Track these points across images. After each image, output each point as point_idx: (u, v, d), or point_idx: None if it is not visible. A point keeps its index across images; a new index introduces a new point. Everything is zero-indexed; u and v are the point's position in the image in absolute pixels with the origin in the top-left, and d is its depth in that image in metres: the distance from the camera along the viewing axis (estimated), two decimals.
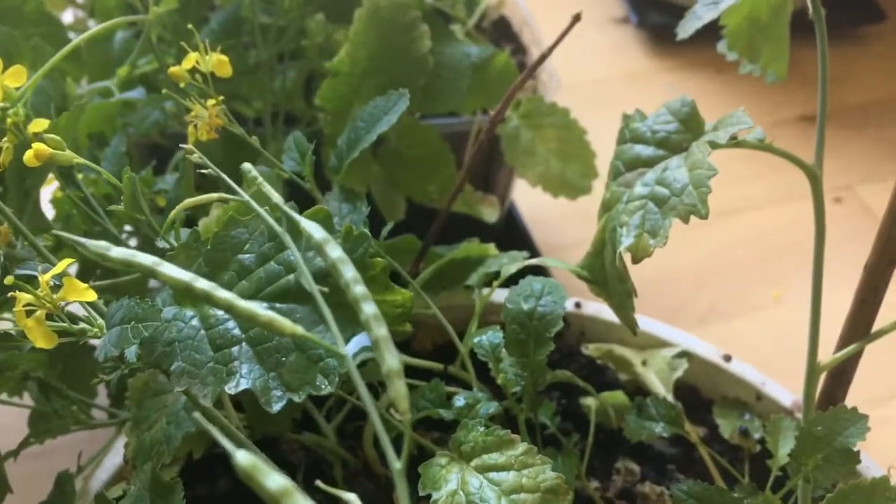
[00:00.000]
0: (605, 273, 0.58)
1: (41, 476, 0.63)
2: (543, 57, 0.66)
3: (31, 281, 0.44)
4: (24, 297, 0.39)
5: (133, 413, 0.55)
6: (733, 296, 1.14)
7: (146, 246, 0.57)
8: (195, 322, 0.41)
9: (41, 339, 0.39)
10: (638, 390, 0.71)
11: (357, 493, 0.61)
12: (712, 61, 1.56)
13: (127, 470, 0.53)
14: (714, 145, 0.52)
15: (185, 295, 0.43)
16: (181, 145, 0.52)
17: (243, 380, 0.39)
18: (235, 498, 0.63)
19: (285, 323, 0.37)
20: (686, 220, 0.51)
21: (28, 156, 0.44)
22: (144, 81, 0.79)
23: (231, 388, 0.38)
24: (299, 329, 0.36)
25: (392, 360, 0.31)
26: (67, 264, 0.40)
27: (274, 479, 0.24)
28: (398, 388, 0.30)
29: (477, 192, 0.96)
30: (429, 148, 0.83)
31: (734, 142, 0.52)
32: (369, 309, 0.32)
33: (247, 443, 0.53)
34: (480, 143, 0.62)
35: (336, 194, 0.57)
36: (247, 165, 0.45)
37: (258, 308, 0.33)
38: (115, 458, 0.62)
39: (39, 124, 0.49)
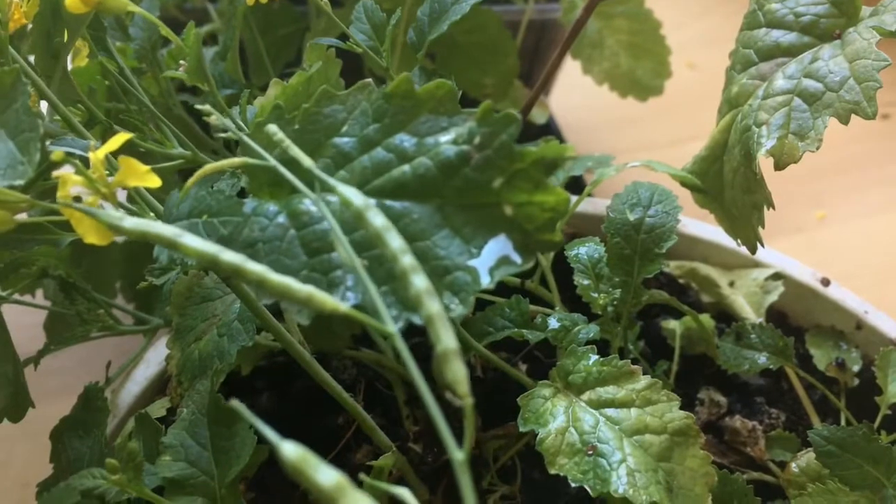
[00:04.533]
0: (720, 181, 0.51)
1: (57, 387, 0.57)
2: None
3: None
4: (73, 180, 0.30)
5: (176, 322, 0.48)
6: (776, 216, 1.09)
7: (188, 131, 0.48)
8: (282, 219, 0.33)
9: (93, 232, 0.31)
10: (722, 314, 0.64)
11: (421, 416, 0.54)
12: None
13: (171, 387, 0.46)
14: (882, 31, 0.43)
15: (263, 183, 0.34)
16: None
17: (350, 293, 0.31)
18: (278, 414, 0.56)
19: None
20: (846, 121, 0.43)
21: (73, 0, 0.35)
22: None
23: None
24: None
25: (448, 339, 0.27)
26: (125, 140, 0.31)
27: (326, 474, 0.22)
28: (455, 371, 0.27)
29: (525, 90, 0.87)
30: (488, 35, 0.74)
31: None
32: (419, 283, 0.28)
33: (311, 360, 0.46)
34: (577, 26, 0.53)
35: (416, 76, 0.49)
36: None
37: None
38: (146, 370, 0.54)
39: None
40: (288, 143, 0.34)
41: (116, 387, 0.54)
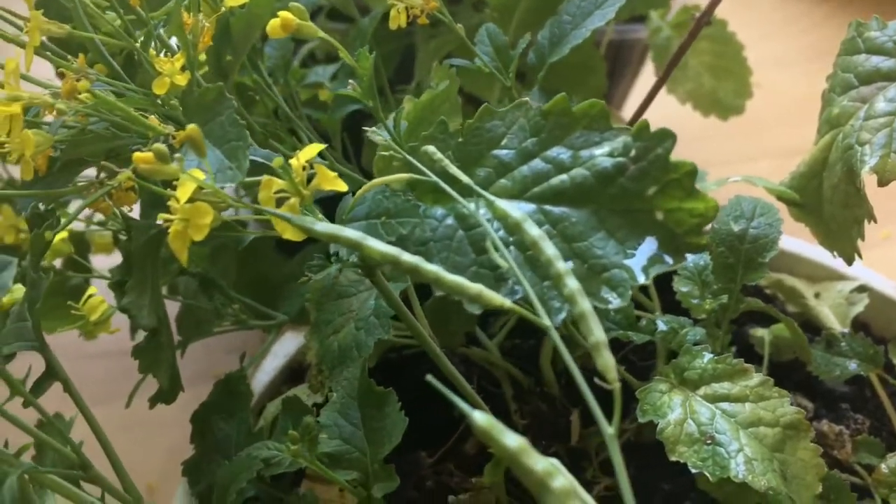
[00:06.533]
0: (818, 196, 0.54)
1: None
2: None
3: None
4: (277, 184, 0.35)
5: (314, 316, 0.52)
6: None
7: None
8: (450, 221, 0.37)
9: (290, 229, 0.35)
10: (806, 324, 0.67)
11: (528, 411, 0.58)
12: None
13: (311, 374, 0.51)
14: None
15: (427, 190, 0.39)
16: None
17: (517, 287, 0.35)
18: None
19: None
20: None
21: (274, 25, 0.39)
22: None
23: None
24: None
25: (599, 332, 0.32)
26: (319, 149, 0.36)
27: (512, 438, 0.25)
28: (606, 359, 0.32)
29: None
30: (581, 55, 0.77)
31: None
32: (572, 284, 0.32)
33: (440, 353, 0.50)
34: (681, 49, 0.57)
35: (536, 97, 0.53)
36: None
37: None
38: (274, 361, 0.59)
39: None
40: (446, 162, 0.38)
41: (248, 376, 0.58)
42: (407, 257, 0.34)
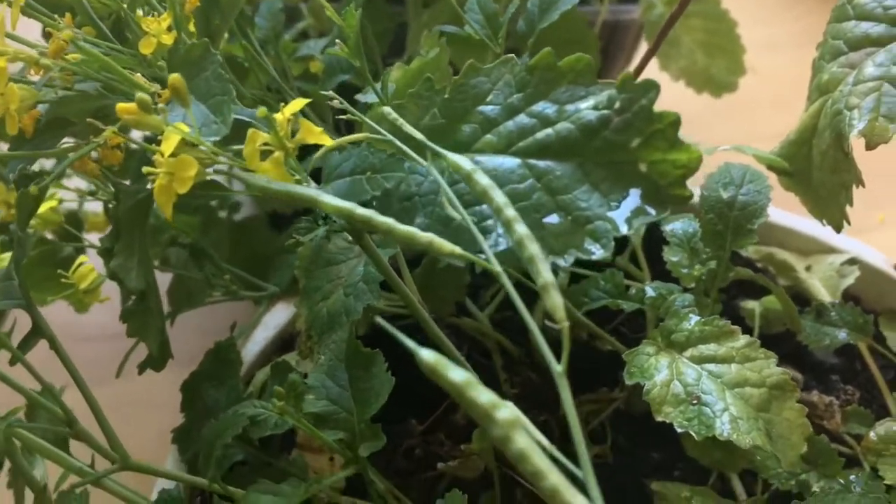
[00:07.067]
0: (808, 163, 0.54)
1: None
2: None
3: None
4: (261, 137, 0.35)
5: (303, 284, 0.52)
6: None
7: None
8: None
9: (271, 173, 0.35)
10: (797, 297, 0.67)
11: (518, 381, 0.58)
12: None
13: (300, 341, 0.51)
14: None
15: (411, 149, 0.39)
16: None
17: (502, 239, 0.35)
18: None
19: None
20: None
21: None
22: None
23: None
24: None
25: (547, 273, 0.30)
26: (304, 104, 0.36)
27: (457, 373, 0.25)
28: (554, 299, 0.30)
29: None
30: (572, 32, 0.78)
31: None
32: (521, 229, 0.32)
33: (428, 319, 0.50)
34: (671, 19, 0.57)
35: (525, 62, 0.53)
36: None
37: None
38: (265, 332, 0.59)
39: None
40: (401, 121, 0.38)
41: (239, 346, 0.58)
42: (361, 211, 0.33)
